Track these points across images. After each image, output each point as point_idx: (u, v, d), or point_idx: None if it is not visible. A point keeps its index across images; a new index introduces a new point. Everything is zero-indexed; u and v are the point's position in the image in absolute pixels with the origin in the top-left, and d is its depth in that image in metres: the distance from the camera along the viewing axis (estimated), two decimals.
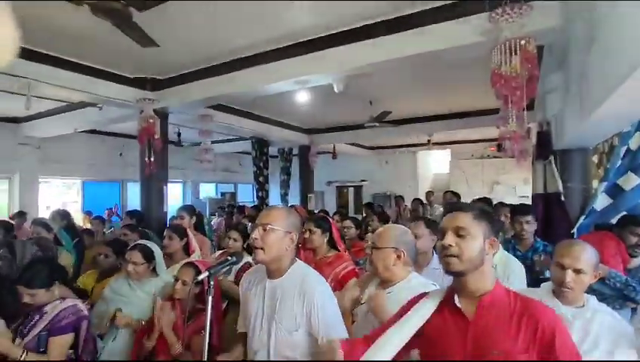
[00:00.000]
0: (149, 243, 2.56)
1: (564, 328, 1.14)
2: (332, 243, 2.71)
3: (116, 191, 9.64)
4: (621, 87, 1.61)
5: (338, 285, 2.44)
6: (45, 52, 4.28)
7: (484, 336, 1.14)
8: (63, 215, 4.77)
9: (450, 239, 1.18)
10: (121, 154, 9.23)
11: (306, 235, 2.65)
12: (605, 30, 1.82)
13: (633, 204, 2.91)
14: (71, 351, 1.98)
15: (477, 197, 6.90)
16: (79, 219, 7.71)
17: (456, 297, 1.22)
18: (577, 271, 1.56)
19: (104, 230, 5.14)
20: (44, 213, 6.79)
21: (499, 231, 1.25)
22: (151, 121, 4.93)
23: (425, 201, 7.18)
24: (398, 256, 1.72)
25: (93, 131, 8.50)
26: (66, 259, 3.40)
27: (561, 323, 1.14)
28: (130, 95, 5.12)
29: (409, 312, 1.29)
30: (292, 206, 4.42)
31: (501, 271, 2.28)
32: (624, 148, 2.96)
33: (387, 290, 1.71)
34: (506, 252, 2.52)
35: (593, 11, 2.02)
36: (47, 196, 8.55)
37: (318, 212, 5.61)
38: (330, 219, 2.87)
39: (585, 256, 1.58)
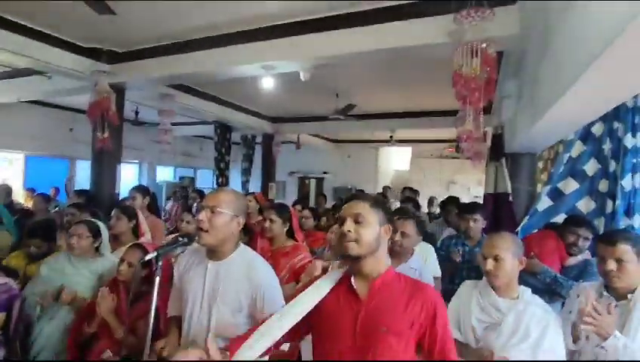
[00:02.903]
0: (97, 221, 2.44)
1: (444, 308, 1.30)
2: (290, 233, 2.70)
3: (64, 169, 9.04)
4: (565, 95, 1.72)
5: (293, 276, 2.43)
6: None
7: (374, 315, 1.24)
8: (7, 190, 4.42)
9: (349, 225, 1.26)
10: (71, 130, 8.64)
11: (267, 224, 2.61)
12: (555, 40, 1.93)
13: (571, 206, 3.14)
14: (0, 331, 1.85)
15: (432, 194, 7.24)
16: (21, 196, 7.19)
17: (352, 278, 1.31)
18: (496, 258, 1.67)
19: (48, 208, 4.82)
20: None
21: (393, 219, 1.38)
22: (105, 95, 4.64)
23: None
24: None
25: (39, 102, 7.89)
26: (6, 239, 3.14)
27: (441, 301, 1.29)
28: (84, 66, 4.77)
29: (304, 291, 1.36)
30: (252, 193, 4.35)
31: (419, 255, 2.63)
32: (567, 156, 3.19)
33: None
34: (423, 241, 2.83)
35: (548, 21, 2.13)
36: None
37: (301, 202, 5.51)
38: (292, 209, 2.85)
39: (501, 244, 1.69)
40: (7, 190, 4.29)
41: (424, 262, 2.69)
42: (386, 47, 3.56)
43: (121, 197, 5.23)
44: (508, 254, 1.67)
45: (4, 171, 8.25)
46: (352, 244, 1.25)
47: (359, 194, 1.38)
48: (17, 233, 3.57)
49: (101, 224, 2.45)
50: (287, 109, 8.44)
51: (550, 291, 2.37)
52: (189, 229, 2.85)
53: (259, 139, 9.79)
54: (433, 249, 2.91)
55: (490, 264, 1.68)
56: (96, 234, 2.33)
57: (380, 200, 1.36)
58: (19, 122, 7.82)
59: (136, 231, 2.88)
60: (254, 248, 2.68)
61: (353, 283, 1.29)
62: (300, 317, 1.28)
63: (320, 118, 8.46)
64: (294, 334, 1.34)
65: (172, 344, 1.69)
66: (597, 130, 3.04)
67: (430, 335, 1.24)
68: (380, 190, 9.98)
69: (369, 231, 1.26)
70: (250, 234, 3.16)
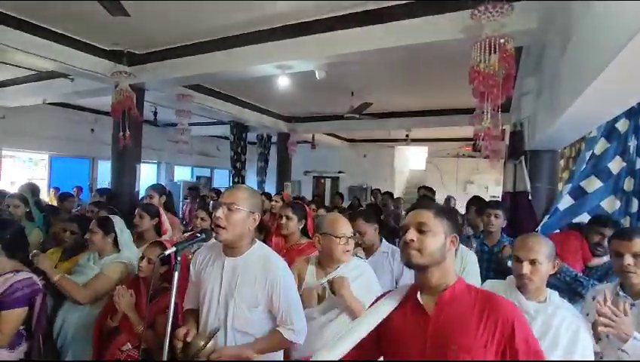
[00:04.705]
0: (112, 216, 2.49)
1: (523, 321, 1.16)
2: (305, 231, 2.71)
3: (86, 169, 9.30)
4: (587, 90, 1.67)
5: None
6: (16, 16, 4.02)
7: (444, 331, 1.16)
8: (33, 189, 4.58)
9: (412, 235, 1.21)
10: (92, 130, 8.89)
11: (283, 221, 2.63)
12: (576, 34, 1.88)
13: (594, 205, 3.05)
14: (22, 326, 1.90)
15: (449, 194, 7.09)
16: (46, 195, 7.43)
17: (418, 293, 1.24)
18: (533, 262, 1.61)
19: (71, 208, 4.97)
20: (10, 189, 6.48)
21: (461, 229, 1.31)
22: (127, 95, 4.76)
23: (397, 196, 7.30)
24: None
25: (63, 104, 8.14)
26: (37, 236, 3.24)
27: (521, 317, 1.17)
28: (105, 68, 4.91)
29: (370, 308, 1.31)
30: (277, 194, 4.40)
31: (458, 260, 2.47)
32: (589, 153, 3.10)
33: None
34: (461, 244, 2.65)
35: (568, 15, 2.08)
36: (12, 171, 8.15)
37: (295, 198, 5.63)
38: (307, 207, 2.86)
39: (538, 247, 1.63)
40: (34, 188, 4.43)
41: (463, 268, 2.47)
42: (401, 45, 3.54)
43: (140, 196, 5.36)
44: (544, 258, 1.61)
45: (30, 172, 8.54)
46: (414, 253, 1.20)
47: (423, 203, 1.33)
48: (45, 229, 3.69)
49: (116, 219, 2.48)
50: (302, 109, 8.47)
51: (571, 290, 2.31)
52: (204, 226, 2.90)
53: (274, 139, 9.86)
54: (473, 253, 2.63)
55: (526, 268, 1.60)
56: (105, 227, 2.36)
57: (444, 209, 1.29)
58: (43, 124, 8.09)
59: (158, 229, 2.95)
60: (269, 245, 2.72)
61: (419, 298, 1.23)
62: (373, 327, 1.24)
63: (335, 117, 8.46)
64: (361, 350, 1.28)
65: (192, 332, 1.73)
66: (622, 126, 2.94)
67: (511, 354, 1.11)
68: (396, 189, 9.94)
69: (433, 240, 1.20)
70: (265, 232, 3.19)
